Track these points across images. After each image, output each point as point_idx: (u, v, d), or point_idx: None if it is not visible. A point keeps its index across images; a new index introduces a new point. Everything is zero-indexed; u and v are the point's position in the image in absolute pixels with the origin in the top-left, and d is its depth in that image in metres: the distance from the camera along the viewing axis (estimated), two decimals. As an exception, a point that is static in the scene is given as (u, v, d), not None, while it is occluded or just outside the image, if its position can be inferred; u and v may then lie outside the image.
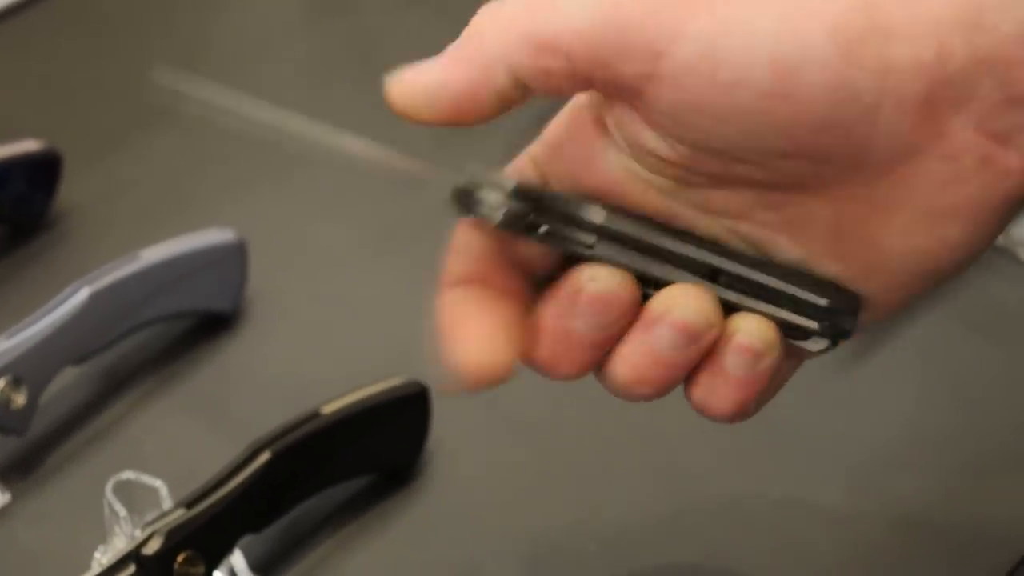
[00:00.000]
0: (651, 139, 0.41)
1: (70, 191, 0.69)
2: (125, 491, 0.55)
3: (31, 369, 0.58)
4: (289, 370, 0.63)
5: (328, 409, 0.57)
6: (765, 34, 0.39)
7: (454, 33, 0.76)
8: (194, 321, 0.64)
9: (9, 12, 0.77)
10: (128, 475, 0.55)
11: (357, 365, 0.63)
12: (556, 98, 0.42)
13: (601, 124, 0.42)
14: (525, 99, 0.41)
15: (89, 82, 0.75)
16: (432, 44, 0.76)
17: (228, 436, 0.60)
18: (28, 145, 0.67)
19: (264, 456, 0.55)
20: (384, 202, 0.70)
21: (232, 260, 0.64)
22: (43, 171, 0.67)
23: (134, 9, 0.78)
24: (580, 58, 0.40)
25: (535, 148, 0.43)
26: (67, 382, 0.62)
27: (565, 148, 0.43)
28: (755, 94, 0.39)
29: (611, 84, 0.41)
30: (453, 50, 0.42)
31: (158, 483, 0.55)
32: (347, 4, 0.80)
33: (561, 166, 0.43)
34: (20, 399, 0.58)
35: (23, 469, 0.60)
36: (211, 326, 0.64)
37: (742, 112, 0.40)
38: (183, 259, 0.63)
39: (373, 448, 0.59)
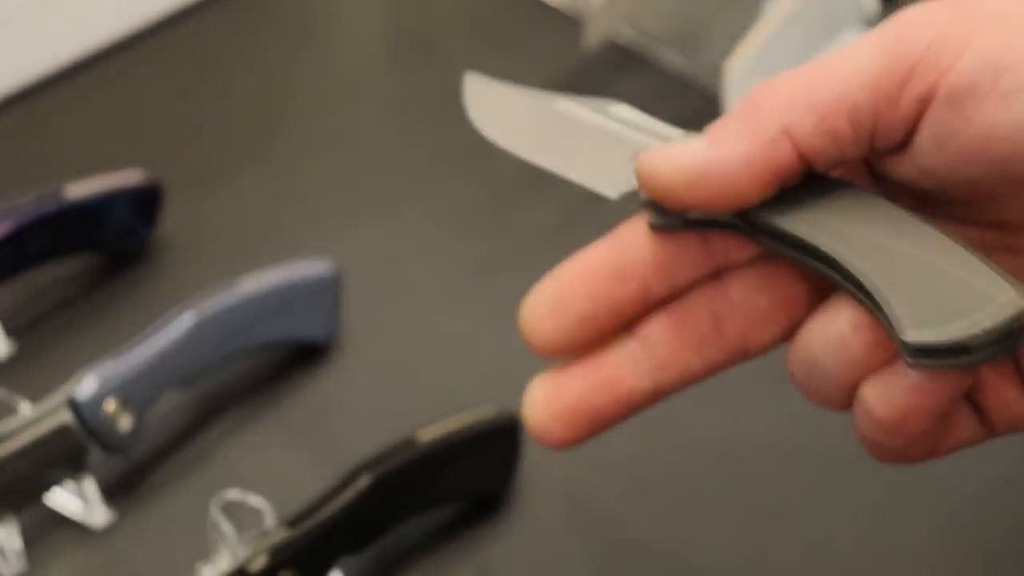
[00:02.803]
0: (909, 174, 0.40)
1: (170, 221, 0.71)
2: (229, 510, 0.57)
3: (138, 391, 0.60)
4: (380, 398, 0.65)
5: (424, 436, 0.59)
6: None
7: (538, 74, 0.78)
8: (290, 349, 0.66)
9: (115, 49, 0.79)
10: (232, 494, 0.57)
11: (448, 394, 0.65)
12: (834, 167, 0.40)
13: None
14: (799, 174, 0.39)
15: (189, 117, 0.77)
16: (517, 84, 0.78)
17: (321, 460, 0.62)
18: (131, 176, 0.69)
19: (364, 479, 0.57)
20: (475, 235, 0.71)
21: (328, 290, 0.66)
22: (145, 202, 0.69)
23: (229, 49, 0.81)
24: (864, 105, 0.38)
25: None
26: (170, 405, 0.64)
27: None
28: None
29: (889, 126, 0.39)
30: (723, 126, 0.39)
31: (261, 502, 0.57)
32: (431, 45, 0.82)
33: None
34: (127, 420, 0.60)
35: (128, 488, 0.61)
36: (306, 354, 0.66)
37: (1018, 129, 0.37)
38: (282, 288, 0.65)
39: (466, 475, 0.60)
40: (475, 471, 0.61)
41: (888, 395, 0.38)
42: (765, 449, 0.63)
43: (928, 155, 0.39)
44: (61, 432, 0.59)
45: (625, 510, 0.61)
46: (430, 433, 0.59)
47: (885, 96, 0.38)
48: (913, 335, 0.37)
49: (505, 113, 0.46)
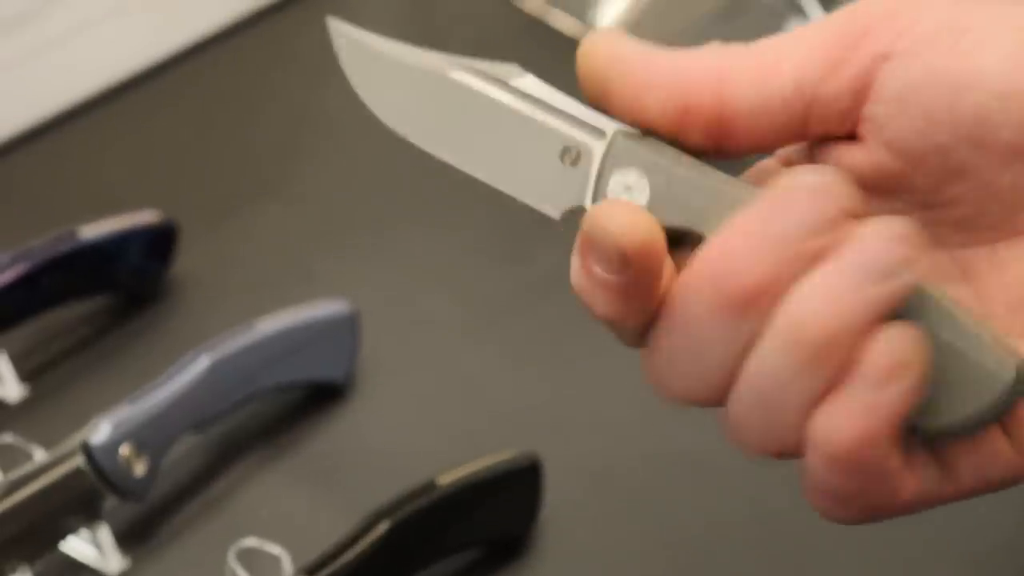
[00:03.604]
0: (863, 155, 0.39)
1: (184, 261, 0.70)
2: (246, 558, 0.56)
3: (153, 435, 0.60)
4: (400, 440, 0.64)
5: (444, 480, 0.58)
6: (1008, 10, 0.38)
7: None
8: (307, 390, 0.66)
9: (129, 86, 0.78)
10: (250, 542, 0.56)
11: (467, 436, 0.64)
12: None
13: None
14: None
15: (203, 154, 0.77)
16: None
17: (340, 504, 0.61)
18: (146, 216, 0.68)
19: (383, 526, 0.56)
20: (496, 274, 0.71)
21: (345, 330, 0.66)
22: (160, 241, 0.69)
23: (244, 86, 0.80)
24: (809, 76, 0.38)
25: None
26: (185, 450, 0.63)
27: None
28: (1001, 56, 0.37)
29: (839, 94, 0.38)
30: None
31: (279, 551, 0.56)
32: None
33: None
34: (141, 465, 0.59)
35: (143, 535, 0.61)
36: (323, 395, 0.66)
37: (985, 76, 0.37)
38: (298, 329, 0.64)
39: (486, 519, 0.60)
40: (495, 516, 0.60)
41: (841, 419, 0.36)
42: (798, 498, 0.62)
43: (891, 119, 0.38)
44: (75, 478, 0.58)
45: (647, 554, 0.60)
46: (449, 477, 0.58)
47: (833, 61, 0.38)
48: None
49: (391, 82, 0.41)
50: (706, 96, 0.38)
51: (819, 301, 0.36)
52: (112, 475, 0.59)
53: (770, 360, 0.36)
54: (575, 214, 0.39)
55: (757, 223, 0.36)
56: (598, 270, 0.37)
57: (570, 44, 0.81)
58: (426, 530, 0.57)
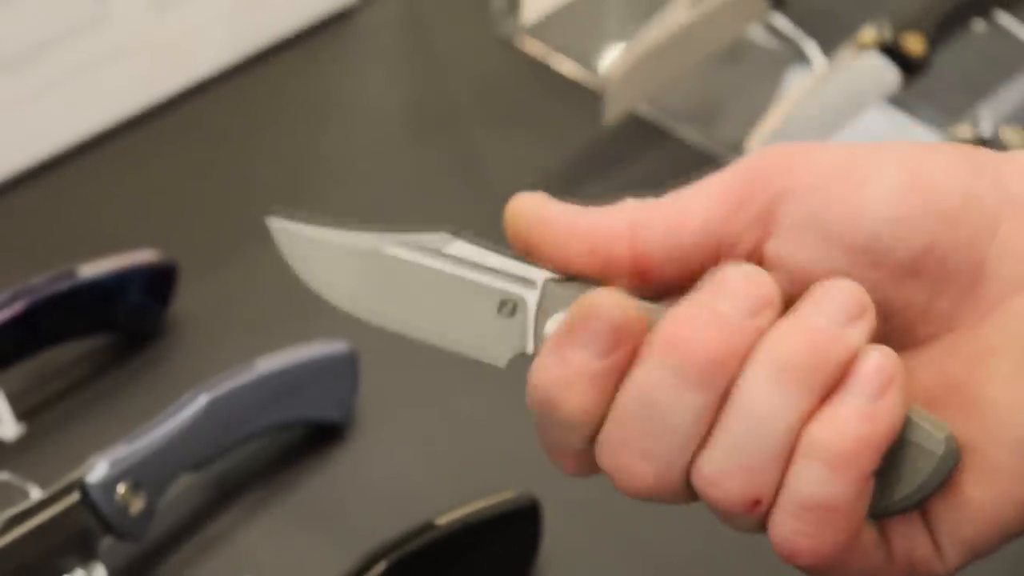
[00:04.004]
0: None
1: (183, 300, 0.70)
2: (243, 597, 0.56)
3: (150, 474, 0.59)
4: (398, 481, 0.64)
5: (442, 521, 0.58)
6: (896, 147, 0.42)
7: (558, 147, 0.78)
8: (306, 430, 0.65)
9: (128, 126, 0.78)
10: (247, 581, 0.56)
11: (465, 477, 0.64)
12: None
13: None
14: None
15: (202, 195, 0.77)
16: (533, 165, 0.78)
17: (339, 545, 0.61)
18: (145, 256, 0.68)
19: (380, 567, 0.56)
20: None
21: (344, 370, 0.65)
22: (159, 281, 0.69)
23: (244, 126, 0.80)
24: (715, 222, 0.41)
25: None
26: (182, 489, 0.63)
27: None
28: (890, 186, 0.41)
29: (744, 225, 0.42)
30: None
31: (276, 590, 0.56)
32: (449, 124, 0.81)
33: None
34: (139, 504, 0.59)
35: (139, 575, 0.60)
36: (322, 435, 0.65)
37: (876, 203, 0.41)
38: (297, 369, 0.64)
39: (485, 561, 0.59)
40: (494, 556, 0.59)
41: (842, 423, 0.39)
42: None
43: (792, 248, 0.41)
44: (71, 516, 0.58)
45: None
46: (447, 518, 0.58)
47: (737, 201, 0.41)
48: None
49: (333, 266, 0.45)
50: (624, 248, 0.42)
51: (798, 341, 0.39)
52: (109, 514, 0.58)
53: (758, 392, 0.39)
54: (520, 359, 0.42)
55: (704, 301, 0.40)
56: (581, 357, 0.40)
57: (571, 88, 0.82)
58: (424, 571, 0.57)
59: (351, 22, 0.84)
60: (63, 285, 0.66)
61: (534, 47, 0.83)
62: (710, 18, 0.75)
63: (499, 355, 0.42)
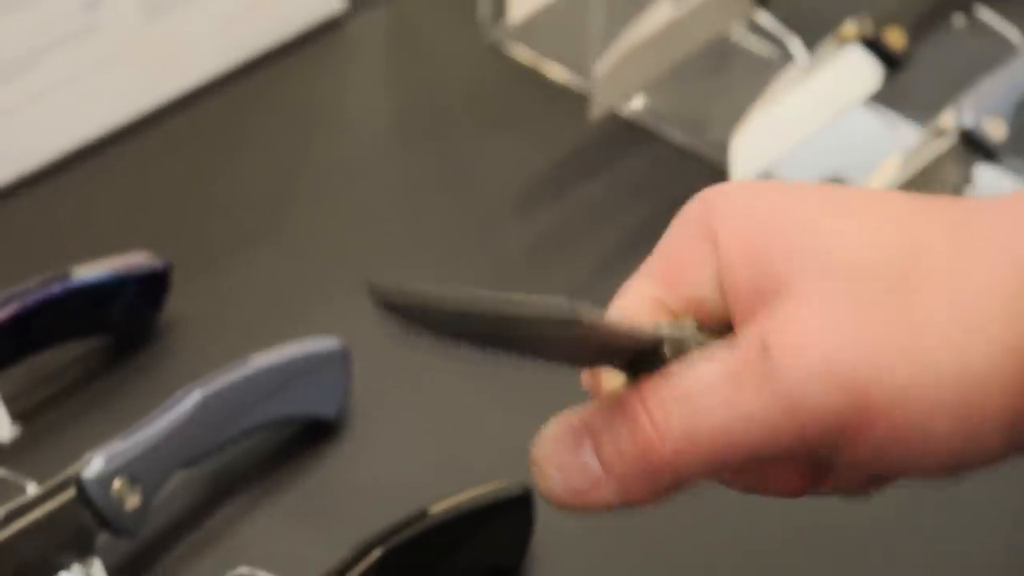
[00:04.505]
0: None
1: (176, 302, 0.70)
2: (239, 588, 0.56)
3: (146, 470, 0.60)
4: (392, 474, 0.65)
5: (436, 509, 0.58)
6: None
7: (544, 149, 0.78)
8: (299, 426, 0.66)
9: (122, 133, 0.79)
10: (243, 571, 0.56)
11: (459, 471, 0.64)
12: None
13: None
14: None
15: (196, 201, 0.77)
16: (522, 169, 0.79)
17: (333, 539, 0.61)
18: (139, 258, 0.69)
19: (375, 554, 0.56)
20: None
21: (337, 367, 0.66)
22: (152, 283, 0.69)
23: (236, 132, 0.81)
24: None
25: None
26: (177, 485, 0.63)
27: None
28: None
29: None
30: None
31: (271, 580, 0.56)
32: (438, 129, 0.82)
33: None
34: (134, 500, 0.59)
35: (135, 570, 0.61)
36: (315, 431, 0.66)
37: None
38: (290, 365, 0.64)
39: (478, 549, 0.60)
40: (487, 545, 0.60)
41: None
42: (784, 527, 0.62)
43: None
44: (68, 512, 0.58)
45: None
46: (441, 506, 0.58)
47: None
48: None
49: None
50: None
51: None
52: (105, 509, 0.59)
53: None
54: None
55: None
56: None
57: (559, 92, 0.82)
58: (418, 559, 0.57)
59: (340, 30, 0.84)
60: (57, 288, 0.66)
61: (520, 52, 0.83)
62: (694, 15, 0.76)
63: None
